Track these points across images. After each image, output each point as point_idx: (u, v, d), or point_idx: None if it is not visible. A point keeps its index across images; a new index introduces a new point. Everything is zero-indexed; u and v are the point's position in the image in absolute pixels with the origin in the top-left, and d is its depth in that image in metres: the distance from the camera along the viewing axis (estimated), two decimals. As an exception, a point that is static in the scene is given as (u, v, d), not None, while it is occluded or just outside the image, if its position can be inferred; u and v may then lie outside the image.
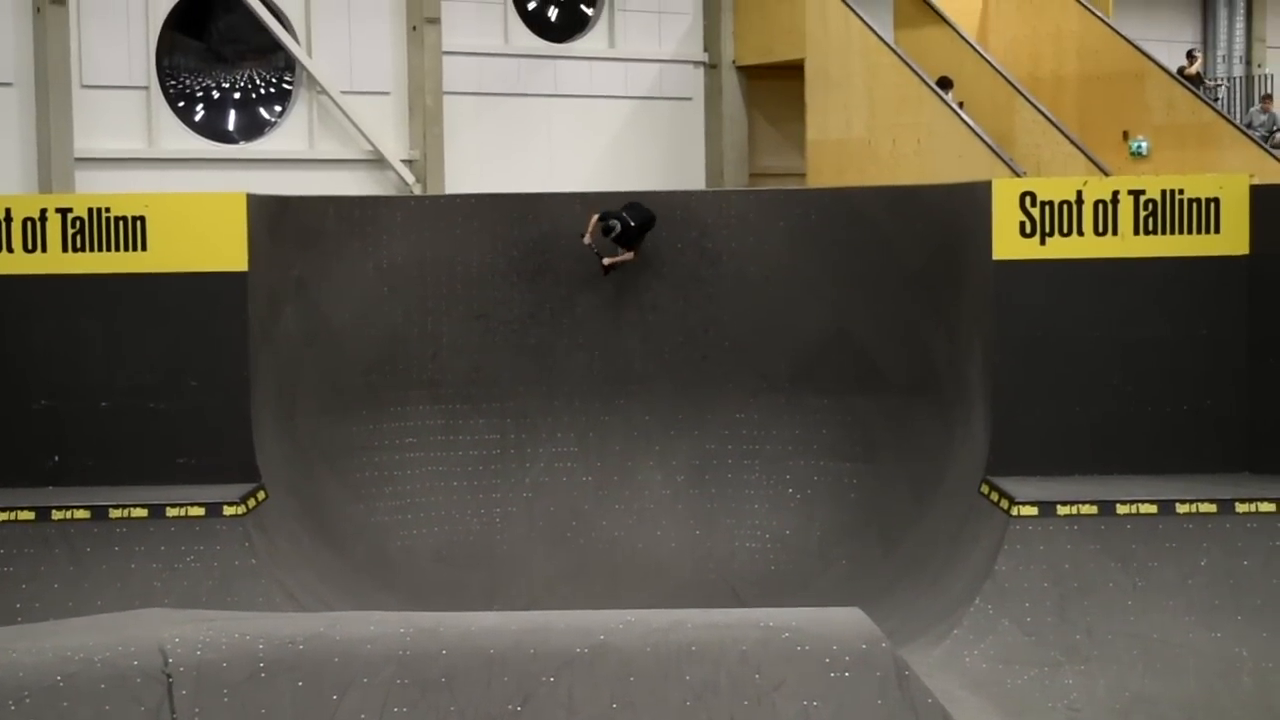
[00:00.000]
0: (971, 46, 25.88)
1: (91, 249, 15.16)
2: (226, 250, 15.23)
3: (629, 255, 16.91)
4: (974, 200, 15.35)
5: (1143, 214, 14.88)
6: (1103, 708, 12.36)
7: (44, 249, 15.12)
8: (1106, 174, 20.67)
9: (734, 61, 29.77)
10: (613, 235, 16.75)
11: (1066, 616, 13.24)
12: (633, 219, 16.83)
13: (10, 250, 15.10)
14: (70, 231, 15.16)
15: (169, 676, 7.88)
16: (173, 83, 25.18)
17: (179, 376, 15.27)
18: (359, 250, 16.91)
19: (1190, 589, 13.35)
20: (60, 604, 13.68)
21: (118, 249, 15.17)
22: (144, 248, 15.19)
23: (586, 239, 16.74)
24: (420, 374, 17.26)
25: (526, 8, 29.03)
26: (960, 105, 24.26)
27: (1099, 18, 26.17)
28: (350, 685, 7.98)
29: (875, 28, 25.61)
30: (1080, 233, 14.87)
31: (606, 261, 16.88)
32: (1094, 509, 13.71)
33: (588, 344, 17.47)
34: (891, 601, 14.65)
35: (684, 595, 15.76)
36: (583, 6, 29.80)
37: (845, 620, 8.48)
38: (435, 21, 26.84)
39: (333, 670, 8.03)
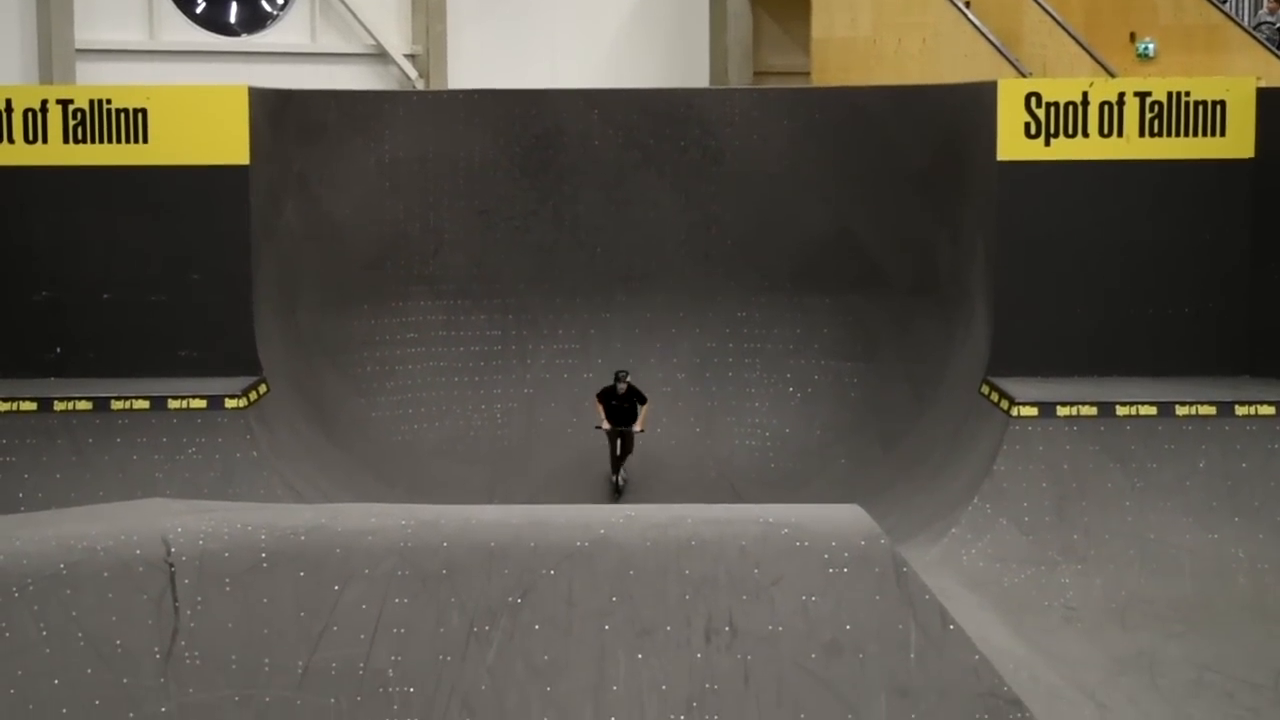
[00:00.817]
0: (979, -55, 25.61)
1: (92, 141, 15.12)
2: (228, 144, 15.19)
3: (646, 405, 16.42)
4: (979, 100, 15.28)
5: (1148, 116, 14.83)
6: (1099, 607, 12.44)
7: (45, 140, 15.08)
8: (1112, 75, 20.51)
9: (739, -42, 29.47)
10: (623, 390, 16.31)
11: (1064, 516, 13.31)
12: (626, 376, 16.44)
13: (11, 141, 15.06)
14: (71, 123, 15.11)
15: (171, 566, 7.92)
16: (174, -26, 24.93)
17: (180, 270, 15.27)
18: (361, 145, 16.85)
19: (1188, 490, 13.41)
20: (62, 494, 13.75)
21: (119, 141, 15.13)
22: (145, 140, 15.15)
23: (605, 426, 16.34)
24: (422, 270, 17.25)
25: (531, -99, 28.72)
26: (967, 4, 24.04)
27: (1108, -83, 25.87)
28: (352, 576, 8.03)
29: (882, -75, 25.32)
30: (1085, 134, 14.83)
31: (637, 428, 16.35)
32: (1094, 410, 13.75)
33: (589, 241, 17.45)
34: (890, 499, 14.72)
35: (684, 492, 15.84)
36: (588, -100, 29.46)
37: (844, 517, 8.51)
38: (439, -86, 26.56)
39: (334, 561, 8.07)
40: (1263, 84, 15.29)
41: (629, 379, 16.40)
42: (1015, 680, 9.67)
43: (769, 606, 8.14)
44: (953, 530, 13.35)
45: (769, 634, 8.08)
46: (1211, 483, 13.41)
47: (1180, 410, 13.68)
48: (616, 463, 16.56)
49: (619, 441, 16.51)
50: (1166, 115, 14.83)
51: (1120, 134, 14.79)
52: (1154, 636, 11.87)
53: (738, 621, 8.11)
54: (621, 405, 16.46)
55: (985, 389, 14.60)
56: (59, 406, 14.28)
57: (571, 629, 8.08)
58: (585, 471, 16.63)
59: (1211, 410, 13.68)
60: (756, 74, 29.30)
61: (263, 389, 15.01)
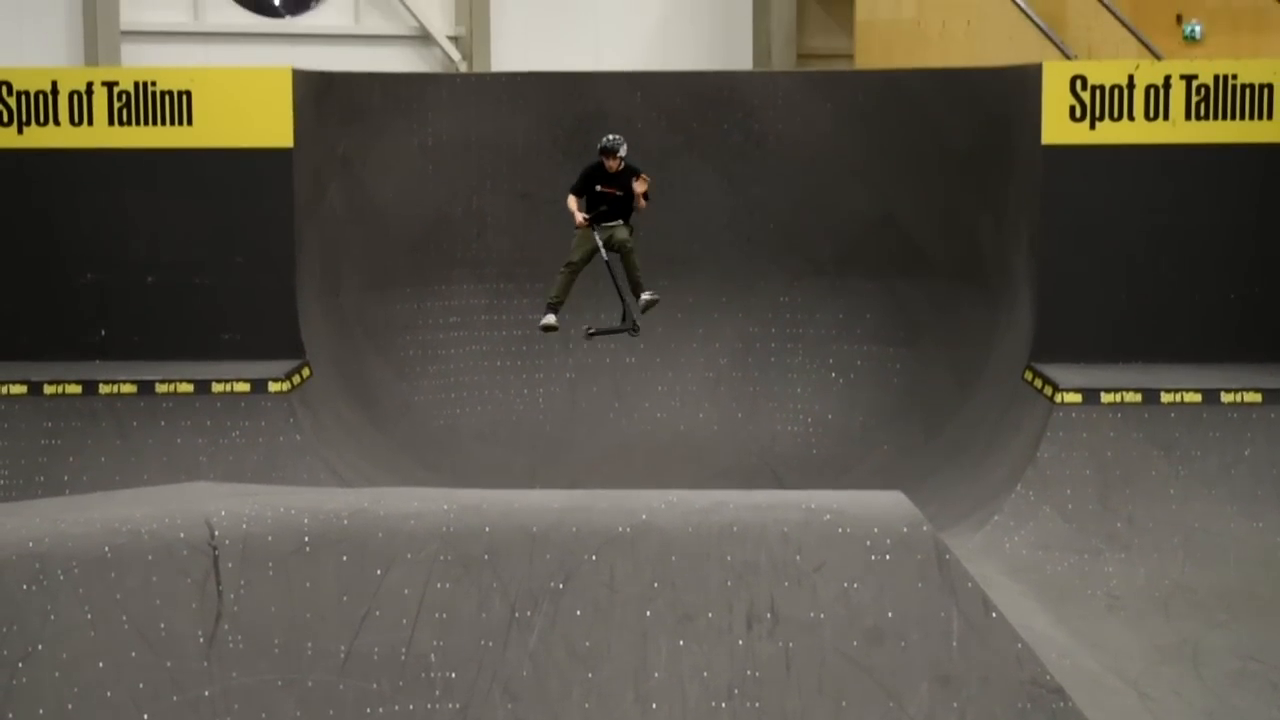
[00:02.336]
0: (1024, -74, 25.49)
1: (137, 123, 15.18)
2: (272, 126, 15.22)
3: (646, 178, 13.21)
4: (1024, 83, 15.20)
5: (1194, 99, 14.72)
6: (1143, 595, 12.38)
7: (90, 123, 15.14)
8: (1159, 58, 20.38)
9: (783, -60, 29.37)
10: (615, 167, 13.09)
11: (1108, 504, 13.25)
12: (620, 146, 13.16)
13: (57, 123, 15.12)
14: (116, 105, 15.17)
15: (215, 549, 7.95)
16: (218, -45, 25.00)
17: (224, 252, 15.32)
18: (404, 128, 16.86)
19: (1233, 478, 13.32)
20: (107, 477, 13.82)
21: (163, 123, 15.18)
22: (189, 122, 15.19)
23: (582, 218, 13.27)
24: (464, 253, 17.27)
25: (575, -118, 28.64)
26: (1012, -13, 23.94)
27: (1155, -103, 25.68)
28: (394, 561, 8.04)
29: (927, -94, 25.20)
30: (1131, 118, 14.73)
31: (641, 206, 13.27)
32: (1138, 397, 13.67)
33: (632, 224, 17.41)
34: (933, 486, 14.68)
35: (725, 477, 15.82)
36: (632, -119, 29.38)
37: (887, 503, 8.48)
38: (483, -105, 26.52)
39: (377, 545, 8.08)
40: (1311, 68, 15.17)
41: (624, 150, 12.95)
42: (1058, 669, 9.63)
43: (811, 593, 8.12)
44: (996, 518, 13.30)
45: (811, 621, 8.06)
46: (1257, 471, 13.32)
47: (1225, 397, 13.59)
48: (610, 266, 13.18)
49: (607, 245, 13.10)
50: (1213, 98, 14.73)
51: (1166, 118, 14.69)
52: (1198, 626, 11.81)
53: (779, 608, 8.09)
54: (611, 193, 13.07)
55: (1029, 375, 14.53)
56: (104, 389, 14.35)
57: (613, 615, 8.07)
58: (628, 456, 16.62)
59: (1257, 398, 13.59)
60: (800, 57, 29.17)
61: (306, 372, 15.05)
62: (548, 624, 8.04)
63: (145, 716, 7.57)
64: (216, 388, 14.40)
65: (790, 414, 17.05)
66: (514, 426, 16.95)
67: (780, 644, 8.02)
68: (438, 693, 7.88)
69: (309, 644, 7.88)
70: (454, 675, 7.91)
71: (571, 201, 13.27)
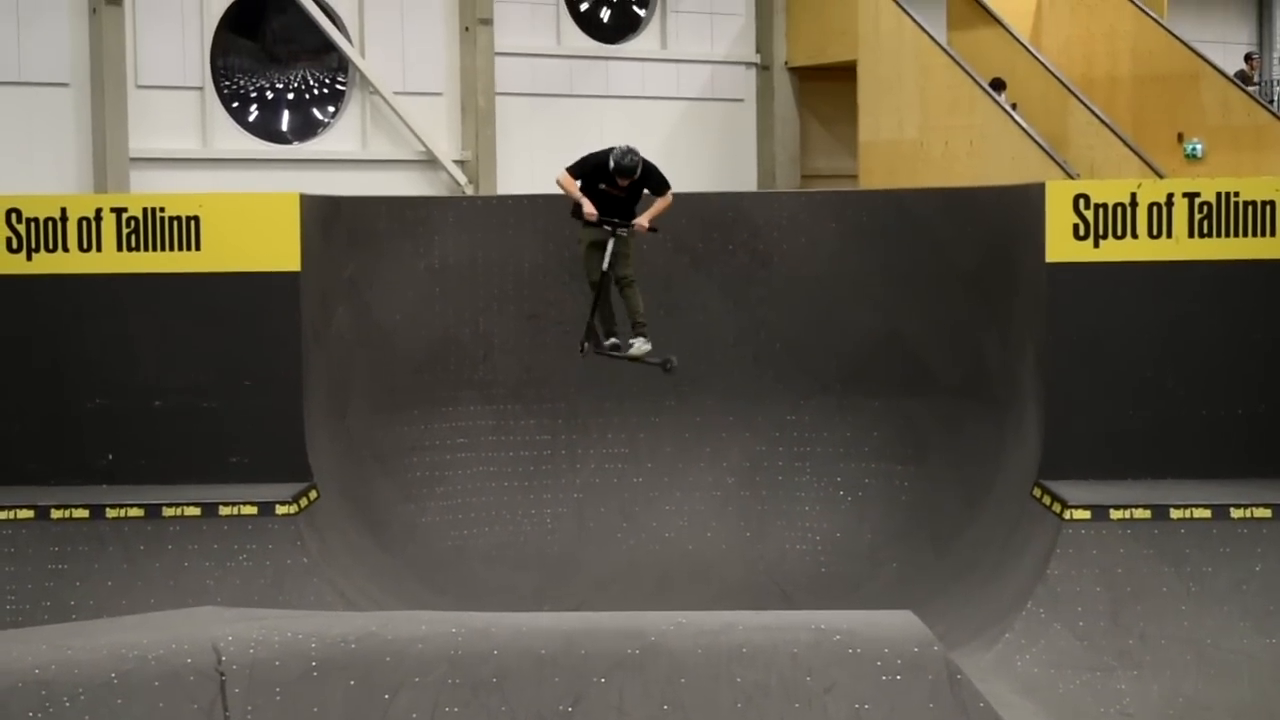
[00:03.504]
0: (1025, 48, 25.76)
1: (146, 249, 15.24)
2: (279, 250, 15.28)
3: (667, 197, 13.83)
4: (1027, 202, 15.28)
5: (1197, 217, 14.79)
6: (1156, 713, 12.29)
7: (99, 248, 15.21)
8: (1161, 176, 20.52)
9: (786, 63, 29.69)
10: (623, 186, 13.43)
11: (1120, 621, 13.18)
12: (636, 164, 13.38)
13: (66, 250, 15.19)
14: (125, 231, 15.25)
15: (222, 674, 7.92)
16: (227, 83, 25.27)
17: (232, 376, 15.33)
18: (411, 250, 16.95)
19: (1245, 594, 13.26)
20: (114, 602, 13.77)
21: (172, 249, 15.25)
22: (198, 248, 15.26)
23: (590, 213, 13.45)
24: (472, 374, 17.29)
25: (579, 9, 29.03)
26: (1013, 107, 24.16)
27: (1153, 19, 25.95)
28: (402, 685, 8.01)
29: (928, 28, 25.49)
30: (1134, 235, 14.79)
31: (643, 222, 13.74)
32: (1147, 513, 13.64)
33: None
34: (943, 605, 14.60)
35: (734, 597, 15.74)
36: (635, 7, 29.76)
37: (897, 623, 8.46)
38: (488, 22, 26.84)
39: (384, 669, 8.06)
40: (1313, 183, 15.25)
41: (640, 171, 12.73)
42: (1072, 789, 9.56)
43: (821, 714, 8.07)
44: (1006, 636, 13.23)
45: (822, 743, 8.02)
46: (1269, 586, 13.26)
47: (1235, 513, 13.56)
48: (601, 286, 13.21)
49: (609, 249, 12.96)
50: (1216, 216, 14.79)
51: (1169, 235, 14.76)
52: (1212, 743, 11.73)
53: (790, 730, 8.05)
54: (615, 194, 13.04)
55: (1037, 492, 14.51)
56: (111, 514, 14.32)
57: (623, 738, 8.03)
58: (636, 576, 16.56)
59: (1267, 513, 13.55)
60: (804, 177, 29.46)
61: (313, 495, 15.03)
62: (557, 748, 7.99)
63: (151, 845, 7.51)
64: (224, 511, 14.37)
65: (799, 532, 17.00)
66: (521, 547, 16.90)
67: (791, 766, 7.96)
68: (446, 818, 7.82)
69: (316, 770, 7.83)
70: (463, 800, 7.86)
71: (568, 181, 13.04)
